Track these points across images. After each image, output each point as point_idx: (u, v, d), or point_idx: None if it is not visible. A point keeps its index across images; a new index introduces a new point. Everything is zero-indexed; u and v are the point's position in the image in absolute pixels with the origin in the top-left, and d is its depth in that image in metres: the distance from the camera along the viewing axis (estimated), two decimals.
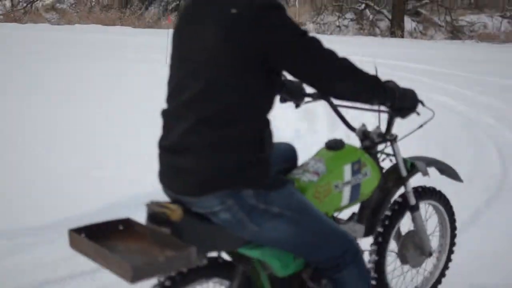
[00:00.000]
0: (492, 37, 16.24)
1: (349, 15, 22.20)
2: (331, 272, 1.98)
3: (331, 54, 1.71)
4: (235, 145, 1.70)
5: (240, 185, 1.71)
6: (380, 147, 2.19)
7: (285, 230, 1.81)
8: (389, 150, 2.20)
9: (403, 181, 2.26)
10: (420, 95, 2.00)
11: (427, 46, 13.38)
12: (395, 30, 16.06)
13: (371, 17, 20.75)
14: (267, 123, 1.75)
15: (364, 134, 2.18)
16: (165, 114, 1.82)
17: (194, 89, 1.71)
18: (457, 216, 2.61)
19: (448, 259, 2.60)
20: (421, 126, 2.26)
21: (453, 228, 2.59)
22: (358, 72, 1.75)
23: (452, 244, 2.61)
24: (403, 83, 1.98)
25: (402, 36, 15.92)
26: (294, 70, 1.73)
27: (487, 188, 4.23)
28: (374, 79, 1.81)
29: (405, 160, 2.28)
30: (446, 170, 2.46)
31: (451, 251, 2.60)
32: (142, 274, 1.54)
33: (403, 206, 2.30)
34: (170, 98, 1.81)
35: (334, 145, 2.07)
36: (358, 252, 1.94)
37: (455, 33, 18.43)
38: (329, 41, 2.46)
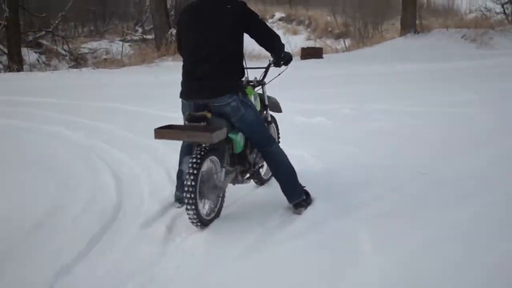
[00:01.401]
0: (115, 62, 16.82)
1: None
2: (266, 147, 4.17)
3: (270, 27, 4.06)
4: (233, 72, 3.94)
5: (236, 91, 3.95)
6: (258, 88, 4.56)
7: (252, 115, 4.06)
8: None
9: (266, 107, 4.64)
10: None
11: (50, 77, 13.09)
12: (12, 64, 15.36)
13: None
14: (242, 66, 4.02)
15: (253, 81, 4.52)
16: (187, 63, 3.97)
17: (210, 48, 3.84)
18: None
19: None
20: (279, 74, 4.60)
21: (278, 132, 5.04)
22: (278, 37, 4.09)
23: (278, 137, 5.02)
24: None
25: (20, 70, 15.30)
26: (258, 33, 3.97)
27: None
28: (282, 43, 4.13)
29: (268, 96, 4.64)
30: (275, 105, 4.82)
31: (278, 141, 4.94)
32: (215, 138, 3.70)
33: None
34: (191, 55, 3.93)
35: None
36: (273, 140, 4.27)
37: (79, 61, 18.55)
38: None
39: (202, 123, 3.85)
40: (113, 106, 8.95)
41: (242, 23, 3.92)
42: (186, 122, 3.94)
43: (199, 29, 3.92)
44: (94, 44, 21.76)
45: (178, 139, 3.97)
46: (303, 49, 15.75)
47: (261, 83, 4.58)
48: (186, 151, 4.28)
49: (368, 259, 3.51)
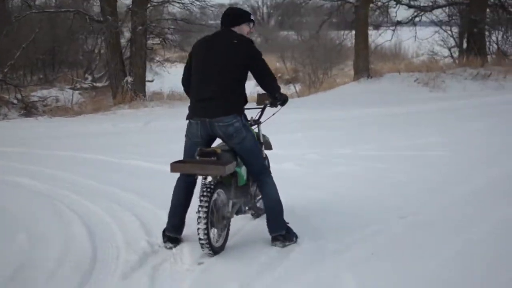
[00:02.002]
0: (66, 110, 16.52)
1: None
2: (262, 177, 4.56)
3: (269, 68, 4.52)
4: (238, 96, 4.40)
5: (240, 113, 4.38)
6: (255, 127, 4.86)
7: (252, 140, 4.48)
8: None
9: (261, 144, 4.86)
10: None
11: (6, 125, 12.76)
12: None
13: None
14: (245, 94, 4.47)
15: (249, 120, 4.72)
16: (195, 86, 4.45)
17: (218, 72, 4.32)
18: None
19: None
20: (273, 114, 5.05)
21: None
22: (275, 79, 4.57)
23: None
24: None
25: None
26: (258, 72, 4.44)
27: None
28: (278, 85, 4.60)
29: (263, 135, 4.99)
30: (267, 144, 5.10)
31: None
32: (227, 170, 4.21)
33: None
34: (200, 77, 4.40)
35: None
36: (268, 169, 4.75)
37: (29, 109, 18.13)
38: None
39: (212, 158, 4.25)
40: (74, 155, 8.76)
41: (245, 59, 4.37)
42: (198, 157, 4.31)
43: (209, 56, 4.40)
44: (44, 92, 21.37)
45: (192, 172, 4.38)
46: (259, 95, 15.70)
47: (257, 122, 4.88)
48: (180, 193, 4.58)
49: None
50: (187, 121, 4.51)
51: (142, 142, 10.10)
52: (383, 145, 8.72)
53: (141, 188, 6.45)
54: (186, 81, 4.61)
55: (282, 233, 4.52)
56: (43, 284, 3.95)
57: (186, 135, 4.54)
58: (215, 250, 4.33)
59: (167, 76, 20.72)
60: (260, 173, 4.57)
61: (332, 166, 7.38)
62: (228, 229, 4.58)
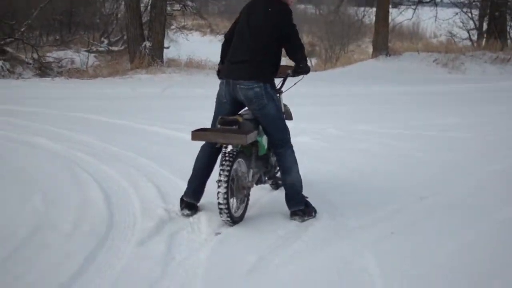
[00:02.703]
0: (81, 73, 16.43)
1: None
2: (282, 148, 4.46)
3: (300, 39, 4.51)
4: (268, 64, 4.39)
5: (264, 80, 4.33)
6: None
7: (274, 109, 4.40)
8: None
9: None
10: None
11: (22, 85, 12.69)
12: None
13: None
14: (278, 62, 4.50)
15: None
16: (233, 48, 4.48)
17: (254, 39, 4.37)
18: None
19: None
20: (295, 83, 4.93)
21: None
22: (303, 49, 4.51)
23: None
24: None
25: None
26: (288, 42, 4.42)
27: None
28: (305, 55, 4.55)
29: (284, 104, 4.88)
30: (288, 113, 5.00)
31: None
32: (249, 139, 4.13)
33: None
34: (238, 41, 4.46)
35: None
36: (289, 140, 4.53)
37: (44, 69, 18.08)
38: None
39: (234, 127, 4.24)
40: (91, 118, 8.70)
41: (277, 28, 4.39)
42: (219, 126, 4.30)
43: (248, 20, 4.46)
44: (59, 54, 21.28)
45: (214, 140, 4.29)
46: (280, 66, 15.61)
47: (279, 91, 4.73)
48: (204, 157, 4.56)
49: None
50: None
51: (160, 108, 10.01)
52: (402, 123, 8.60)
53: (158, 154, 6.40)
54: (229, 35, 4.65)
55: (301, 208, 4.48)
56: (59, 247, 3.91)
57: (216, 96, 4.55)
58: (234, 219, 4.30)
59: (184, 43, 20.57)
60: (280, 144, 4.49)
61: (351, 142, 7.29)
62: (248, 200, 4.54)
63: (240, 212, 4.43)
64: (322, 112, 9.58)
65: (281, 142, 4.48)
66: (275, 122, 4.45)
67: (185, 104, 10.27)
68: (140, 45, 15.27)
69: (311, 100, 10.47)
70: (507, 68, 16.01)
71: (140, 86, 12.54)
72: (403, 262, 3.77)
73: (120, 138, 7.20)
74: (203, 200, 4.61)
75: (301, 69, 4.54)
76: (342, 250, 3.95)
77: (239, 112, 4.52)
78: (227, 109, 4.45)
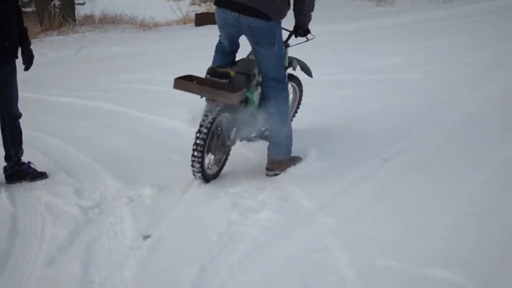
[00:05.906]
0: None
1: None
2: (273, 82, 4.09)
3: None
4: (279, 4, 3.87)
5: (274, 19, 3.88)
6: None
7: (280, 47, 4.03)
8: None
9: (285, 68, 4.29)
10: None
11: None
12: None
13: None
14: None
15: None
16: None
17: None
18: None
19: (298, 106, 5.13)
20: (306, 41, 4.42)
21: (301, 96, 5.11)
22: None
23: (299, 102, 5.12)
24: None
25: None
26: None
27: None
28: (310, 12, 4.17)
29: (289, 57, 4.48)
30: (306, 68, 4.78)
31: (299, 103, 5.13)
32: (235, 99, 3.72)
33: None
34: None
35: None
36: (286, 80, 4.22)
37: None
38: None
39: (224, 80, 3.84)
40: None
41: None
42: (208, 76, 3.90)
43: None
44: None
45: (197, 93, 3.89)
46: (197, 15, 14.88)
47: (285, 44, 4.29)
48: (221, 49, 4.21)
49: None
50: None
51: (73, 74, 9.02)
52: (346, 68, 7.83)
53: (73, 133, 5.48)
54: None
55: (288, 157, 4.19)
56: None
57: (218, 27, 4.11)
58: (206, 177, 3.95)
59: None
60: (273, 77, 4.09)
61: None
62: (226, 159, 4.20)
63: (215, 169, 4.09)
64: None
65: (277, 75, 4.11)
66: (272, 56, 4.04)
67: (101, 67, 9.35)
68: (49, 4, 13.86)
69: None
70: None
71: (51, 51, 11.45)
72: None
73: (25, 115, 6.14)
74: (122, 192, 3.92)
75: (302, 28, 4.30)
76: (303, 242, 3.19)
77: (236, 60, 4.23)
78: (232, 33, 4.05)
